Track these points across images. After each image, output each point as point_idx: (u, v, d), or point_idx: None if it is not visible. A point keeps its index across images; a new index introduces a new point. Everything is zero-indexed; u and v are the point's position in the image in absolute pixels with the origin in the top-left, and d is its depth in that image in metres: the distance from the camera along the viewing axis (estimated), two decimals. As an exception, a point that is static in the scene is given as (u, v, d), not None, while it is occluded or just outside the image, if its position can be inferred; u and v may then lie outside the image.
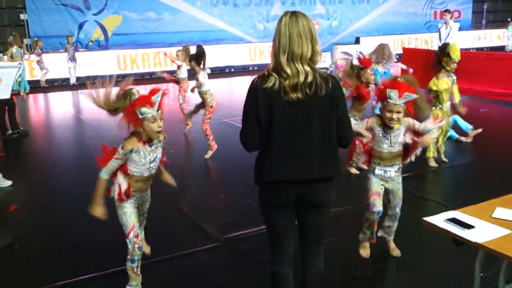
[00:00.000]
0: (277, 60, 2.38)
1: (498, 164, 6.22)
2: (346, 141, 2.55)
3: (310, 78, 2.36)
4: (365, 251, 3.80)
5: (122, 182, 3.15)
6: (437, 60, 5.67)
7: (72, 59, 14.85)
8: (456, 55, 5.53)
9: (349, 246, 3.94)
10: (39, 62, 14.58)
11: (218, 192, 5.63)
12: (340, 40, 20.34)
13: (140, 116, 2.97)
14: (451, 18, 10.37)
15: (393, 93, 3.28)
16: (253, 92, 2.40)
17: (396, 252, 3.81)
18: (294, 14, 2.41)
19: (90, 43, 16.72)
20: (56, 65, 15.21)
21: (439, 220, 2.59)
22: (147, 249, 3.59)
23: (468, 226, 2.47)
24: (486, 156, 6.45)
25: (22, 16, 15.74)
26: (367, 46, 18.73)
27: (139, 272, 3.29)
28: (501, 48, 21.34)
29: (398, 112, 3.30)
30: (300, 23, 2.38)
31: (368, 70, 5.55)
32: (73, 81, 15.03)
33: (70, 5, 16.14)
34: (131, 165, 3.10)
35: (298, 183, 2.44)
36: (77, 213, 4.95)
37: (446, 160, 6.16)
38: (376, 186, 3.54)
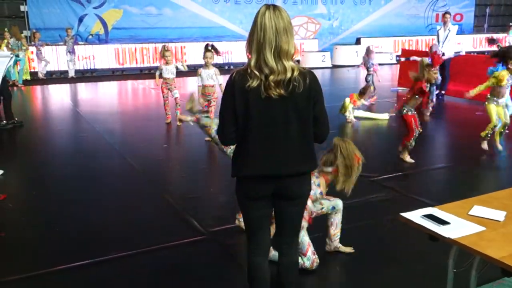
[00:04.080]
0: (261, 56, 2.32)
1: (490, 165, 6.25)
2: (322, 138, 2.55)
3: (295, 74, 2.34)
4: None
5: None
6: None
7: (71, 52, 14.85)
8: None
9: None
10: (38, 54, 14.60)
11: (208, 186, 5.64)
12: (340, 41, 20.36)
13: None
14: (450, 20, 10.36)
15: None
16: (231, 87, 2.38)
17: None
18: (277, 8, 2.37)
19: (90, 36, 16.73)
20: (55, 57, 15.24)
21: (415, 216, 2.60)
22: None
23: (444, 222, 2.48)
24: (479, 157, 6.45)
25: (22, 8, 15.75)
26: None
27: None
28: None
29: None
30: (284, 17, 2.34)
31: (433, 69, 6.15)
32: (71, 74, 15.04)
33: (70, -3, 16.15)
34: None
35: (274, 178, 2.45)
36: (66, 202, 5.03)
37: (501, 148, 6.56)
38: None
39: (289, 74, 2.32)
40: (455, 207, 2.73)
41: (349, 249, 3.75)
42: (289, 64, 2.33)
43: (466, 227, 2.45)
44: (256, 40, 2.33)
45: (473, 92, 6.33)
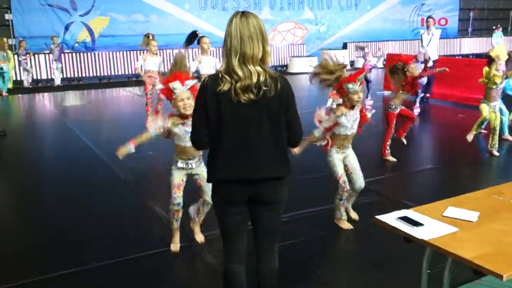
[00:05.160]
0: (229, 62, 2.37)
1: (470, 167, 6.31)
2: (295, 142, 2.58)
3: (261, 79, 2.37)
4: (345, 224, 4.36)
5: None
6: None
7: (57, 60, 14.79)
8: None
9: (314, 246, 4.02)
10: (21, 63, 14.49)
11: (192, 193, 5.62)
12: (327, 46, 20.45)
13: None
14: (433, 24, 10.48)
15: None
16: (203, 92, 2.42)
17: (354, 214, 4.54)
18: (244, 14, 2.40)
19: (76, 44, 16.65)
20: (41, 66, 15.17)
21: (390, 218, 2.62)
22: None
23: (417, 224, 2.51)
24: (463, 159, 6.52)
25: (7, 16, 15.63)
26: (354, 52, 19.02)
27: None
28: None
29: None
30: (251, 23, 2.37)
31: (412, 65, 6.43)
32: (57, 82, 14.96)
33: (56, 5, 16.06)
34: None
35: (249, 182, 2.47)
36: (48, 211, 5.00)
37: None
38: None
39: (254, 79, 2.35)
40: (430, 208, 2.76)
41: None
42: (255, 68, 2.36)
43: (440, 228, 2.48)
44: (225, 47, 2.40)
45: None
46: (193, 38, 6.57)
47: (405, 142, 6.75)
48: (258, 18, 2.43)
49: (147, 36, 7.79)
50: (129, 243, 4.21)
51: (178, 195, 3.83)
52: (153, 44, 7.61)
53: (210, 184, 3.64)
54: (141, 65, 7.76)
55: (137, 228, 4.53)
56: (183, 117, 3.64)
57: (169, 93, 3.62)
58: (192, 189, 4.02)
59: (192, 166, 3.83)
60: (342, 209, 4.36)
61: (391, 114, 6.37)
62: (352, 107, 4.23)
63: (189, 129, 3.32)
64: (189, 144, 3.57)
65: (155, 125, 3.70)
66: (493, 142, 6.50)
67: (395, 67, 6.37)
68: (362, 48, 10.71)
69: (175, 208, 3.87)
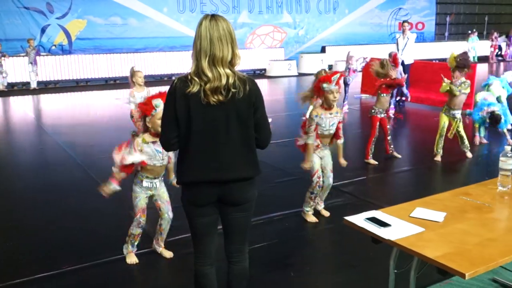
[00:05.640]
0: (199, 64, 2.39)
1: (446, 168, 6.42)
2: (264, 143, 2.60)
3: (231, 81, 2.39)
4: (311, 217, 4.60)
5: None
6: None
7: (33, 63, 14.59)
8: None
9: (287, 248, 4.04)
10: (-3, 65, 14.28)
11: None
12: (306, 49, 20.60)
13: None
14: (409, 28, 10.65)
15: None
16: (173, 94, 2.43)
17: (326, 212, 4.75)
18: (214, 17, 2.42)
19: (53, 47, 16.46)
20: (17, 68, 14.93)
21: (359, 219, 2.66)
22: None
23: (385, 225, 2.54)
24: (436, 161, 6.61)
25: (-18, 19, 15.41)
26: (333, 55, 19.20)
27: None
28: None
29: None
30: (220, 26, 2.39)
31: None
32: (33, 85, 14.75)
33: (32, 8, 15.86)
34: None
35: (217, 183, 2.48)
36: (23, 215, 4.94)
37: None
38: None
39: (224, 81, 2.37)
40: (398, 209, 2.80)
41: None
42: (224, 71, 2.38)
43: (406, 228, 2.51)
44: (195, 49, 2.41)
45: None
46: None
47: (399, 155, 6.82)
48: (227, 21, 2.45)
49: (132, 69, 7.23)
50: (102, 246, 4.18)
51: (143, 219, 3.78)
52: (139, 76, 7.07)
53: (169, 204, 3.77)
54: (132, 104, 6.92)
55: (111, 231, 4.49)
56: (156, 135, 3.48)
57: (148, 109, 3.50)
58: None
59: (156, 185, 3.77)
60: (311, 203, 4.61)
61: (374, 118, 6.49)
62: (329, 107, 4.35)
63: (160, 148, 3.32)
64: (158, 163, 3.57)
65: (133, 158, 3.57)
66: (462, 146, 6.62)
67: (384, 62, 6.46)
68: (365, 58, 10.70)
69: (138, 231, 3.82)
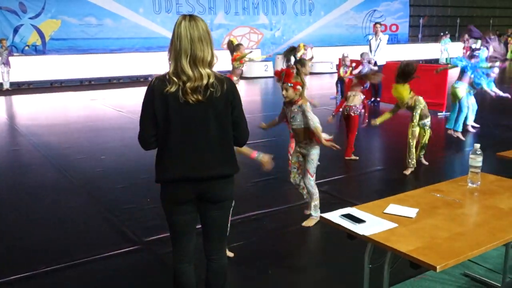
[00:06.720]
0: (178, 64, 2.40)
1: (419, 167, 6.55)
2: (242, 141, 2.65)
3: (210, 81, 2.43)
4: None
5: None
6: None
7: (6, 63, 14.34)
8: None
9: (265, 246, 4.10)
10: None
11: (145, 196, 5.60)
12: (283, 50, 20.65)
13: None
14: (381, 30, 10.84)
15: None
16: (151, 93, 2.44)
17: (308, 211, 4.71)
18: (192, 17, 2.44)
19: (26, 47, 16.22)
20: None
21: (335, 216, 2.72)
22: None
23: (359, 221, 2.61)
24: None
25: (-47, 18, 15.10)
26: (308, 56, 19.31)
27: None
28: (436, 61, 22.45)
29: None
30: (200, 26, 2.42)
31: None
32: (6, 86, 14.52)
33: (4, 8, 15.62)
34: None
35: (196, 181, 2.51)
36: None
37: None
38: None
39: (205, 81, 2.40)
40: (373, 206, 2.87)
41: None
42: (205, 71, 2.41)
43: (380, 224, 2.58)
44: (173, 49, 2.42)
45: (379, 120, 6.40)
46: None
47: (356, 158, 6.92)
48: (204, 21, 2.48)
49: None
50: (78, 247, 4.16)
51: None
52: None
53: None
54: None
55: (86, 232, 4.48)
56: None
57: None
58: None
59: None
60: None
61: (357, 117, 6.76)
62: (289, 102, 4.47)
63: None
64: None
65: None
66: (421, 153, 6.50)
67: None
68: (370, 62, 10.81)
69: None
